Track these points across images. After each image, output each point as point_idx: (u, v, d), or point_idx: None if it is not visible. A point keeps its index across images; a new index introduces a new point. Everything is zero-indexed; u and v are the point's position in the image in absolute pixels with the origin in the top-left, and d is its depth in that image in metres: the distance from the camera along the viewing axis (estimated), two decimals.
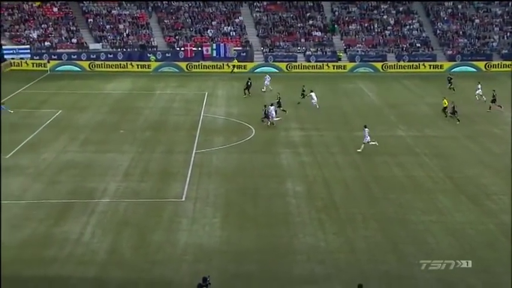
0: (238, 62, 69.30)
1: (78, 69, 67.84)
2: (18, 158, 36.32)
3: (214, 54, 71.28)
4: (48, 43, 70.92)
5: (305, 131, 43.51)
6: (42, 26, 72.95)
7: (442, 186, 32.60)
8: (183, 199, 30.51)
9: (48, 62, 67.39)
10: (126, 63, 68.84)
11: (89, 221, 27.63)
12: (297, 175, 34.30)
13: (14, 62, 67.23)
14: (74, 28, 73.33)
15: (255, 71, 68.85)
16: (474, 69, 69.73)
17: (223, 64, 69.29)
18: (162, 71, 68.20)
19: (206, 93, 56.31)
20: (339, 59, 71.94)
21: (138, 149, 38.83)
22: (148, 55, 70.67)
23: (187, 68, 68.91)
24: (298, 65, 70.34)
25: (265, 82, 57.48)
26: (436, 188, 32.30)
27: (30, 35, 71.35)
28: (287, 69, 69.57)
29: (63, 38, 72.06)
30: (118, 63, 69.02)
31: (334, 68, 70.03)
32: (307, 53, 72.71)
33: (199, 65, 69.35)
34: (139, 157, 37.19)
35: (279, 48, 73.62)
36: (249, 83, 55.19)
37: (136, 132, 42.51)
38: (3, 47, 68.02)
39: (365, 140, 38.15)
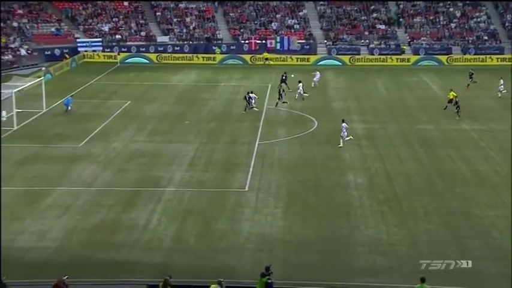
0: (268, 54, 68.70)
1: (146, 61, 69.10)
2: (90, 146, 37.36)
3: (278, 47, 71.19)
4: (119, 36, 72.50)
5: (367, 123, 42.96)
6: (113, 19, 74.61)
7: (508, 180, 31.56)
8: (246, 189, 30.67)
9: (119, 54, 68.90)
10: (192, 56, 69.62)
11: (156, 208, 28.15)
12: (359, 167, 33.93)
13: (86, 55, 69.08)
14: (143, 21, 74.69)
15: (318, 63, 68.35)
16: None
17: (286, 57, 69.13)
18: (227, 63, 68.63)
19: (269, 85, 56.30)
20: (403, 52, 70.59)
21: (203, 139, 39.25)
22: (214, 48, 71.25)
23: (251, 61, 69.12)
24: (362, 58, 69.40)
25: (315, 78, 55.71)
26: (502, 183, 31.31)
27: (102, 28, 73.11)
28: (350, 62, 68.75)
29: (132, 31, 73.52)
30: (184, 55, 69.89)
31: (397, 61, 68.73)
32: (371, 45, 71.66)
33: (263, 58, 69.38)
34: (204, 147, 37.60)
35: (342, 41, 72.84)
36: (283, 77, 53.13)
37: (201, 123, 42.98)
38: (78, 40, 69.96)
39: (342, 133, 37.23)
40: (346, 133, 37.55)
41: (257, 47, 71.24)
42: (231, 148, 37.41)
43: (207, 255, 23.93)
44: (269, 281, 19.67)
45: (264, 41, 71.71)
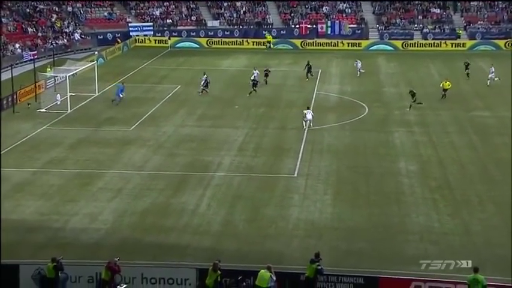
0: (271, 38, 68.22)
1: (197, 45, 69.54)
2: (140, 130, 37.92)
3: (329, 32, 70.55)
4: (170, 20, 73.10)
5: (420, 109, 42.21)
6: (165, 3, 75.24)
7: None
8: (295, 175, 30.63)
9: (169, 38, 69.54)
10: (242, 40, 69.66)
11: (205, 193, 28.41)
12: (411, 154, 33.46)
13: (138, 39, 69.95)
14: (194, 6, 75.05)
15: (370, 48, 67.51)
16: None
17: (337, 42, 68.42)
18: (277, 48, 68.40)
19: (320, 71, 55.90)
20: (458, 37, 68.91)
21: (252, 124, 39.34)
22: (264, 32, 71.09)
23: (301, 45, 68.70)
24: (415, 43, 68.15)
25: (359, 66, 53.84)
26: None
27: (153, 13, 73.84)
28: (403, 47, 67.61)
29: (183, 15, 74.00)
30: (234, 40, 70.00)
31: (452, 46, 67.26)
32: (425, 30, 70.22)
33: (313, 43, 68.91)
34: (253, 133, 37.68)
35: (395, 25, 71.61)
36: (309, 66, 51.95)
37: (251, 108, 43.05)
38: (130, 24, 70.88)
39: (306, 118, 37.25)
40: (310, 118, 37.38)
41: (308, 32, 70.75)
42: (281, 133, 37.37)
43: (256, 240, 24.03)
44: (319, 267, 19.62)
45: (314, 26, 71.15)
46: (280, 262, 21.79)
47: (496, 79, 48.40)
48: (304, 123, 37.40)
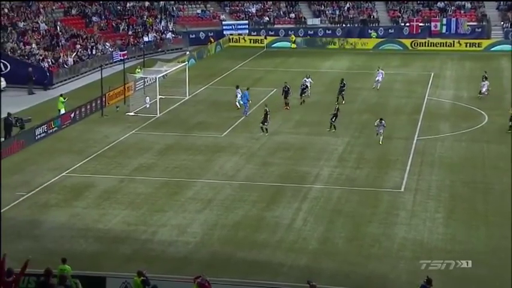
0: (294, 37, 68.85)
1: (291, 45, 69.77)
2: (233, 136, 38.51)
3: (444, 31, 68.89)
4: (266, 18, 73.82)
5: None
6: (262, 0, 76.01)
7: None
8: (402, 190, 30.14)
9: (265, 38, 70.24)
10: (346, 40, 69.32)
11: (301, 206, 28.43)
12: None
13: (232, 38, 71.16)
14: (293, 2, 75.39)
15: (491, 49, 65.35)
16: None
17: (453, 42, 66.70)
18: (384, 49, 67.62)
19: (432, 74, 54.76)
20: None
21: (354, 132, 39.03)
22: (369, 31, 70.43)
23: (411, 46, 67.51)
24: None
25: (378, 77, 49.30)
26: None
27: (249, 10, 74.86)
28: None
29: (281, 12, 74.52)
30: (336, 39, 69.76)
31: None
32: None
33: (425, 43, 67.52)
34: (355, 142, 37.38)
35: None
36: (342, 85, 46.44)
37: (353, 115, 42.74)
38: (223, 22, 72.23)
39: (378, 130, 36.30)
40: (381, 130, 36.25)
41: (419, 31, 69.44)
42: (386, 143, 36.83)
43: (357, 261, 23.78)
44: None
45: (427, 24, 69.71)
46: (384, 286, 21.46)
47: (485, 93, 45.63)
48: (377, 136, 36.42)
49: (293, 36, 69.62)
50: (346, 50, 67.07)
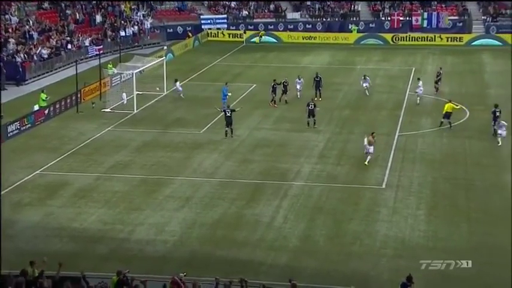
0: (264, 32, 69.22)
1: (274, 40, 69.91)
2: (211, 133, 38.44)
3: (425, 25, 69.34)
4: (245, 12, 73.73)
5: None
6: None
7: None
8: (383, 186, 30.31)
9: (245, 32, 70.23)
10: (325, 35, 69.46)
11: (281, 204, 28.49)
12: None
13: (211, 33, 71.01)
14: None
15: (473, 43, 65.92)
16: None
17: (434, 36, 67.15)
18: (365, 44, 67.90)
19: (413, 69, 55.08)
20: None
21: (335, 128, 39.18)
22: (350, 25, 70.69)
23: (392, 40, 67.87)
24: None
25: (364, 84, 46.64)
26: None
27: (228, 4, 74.67)
28: None
29: (261, 4, 74.23)
30: (317, 34, 69.89)
31: None
32: None
33: (406, 37, 67.91)
34: (336, 138, 37.52)
35: (505, 16, 69.38)
36: (317, 79, 45.61)
37: (334, 111, 42.88)
38: (202, 16, 72.04)
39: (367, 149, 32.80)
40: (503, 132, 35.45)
41: (400, 25, 69.84)
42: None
43: (338, 258, 23.90)
44: None
45: (408, 18, 70.13)
46: (365, 285, 21.61)
47: (421, 93, 44.17)
48: (366, 155, 32.84)
49: (263, 32, 69.79)
50: (327, 45, 67.20)
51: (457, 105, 39.54)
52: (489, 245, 24.71)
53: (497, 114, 36.95)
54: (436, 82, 46.94)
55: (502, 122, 35.61)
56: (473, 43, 65.98)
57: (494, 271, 22.87)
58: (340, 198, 29.12)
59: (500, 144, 35.08)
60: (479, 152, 34.56)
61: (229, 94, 43.72)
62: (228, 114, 37.18)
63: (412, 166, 32.81)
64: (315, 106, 39.08)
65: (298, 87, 45.47)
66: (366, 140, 32.88)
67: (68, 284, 18.12)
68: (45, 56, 54.06)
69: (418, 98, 44.45)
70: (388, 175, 31.48)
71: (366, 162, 32.56)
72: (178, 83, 46.72)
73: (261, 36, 69.48)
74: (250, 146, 36.25)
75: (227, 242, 25.16)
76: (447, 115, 38.36)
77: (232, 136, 37.16)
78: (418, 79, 45.35)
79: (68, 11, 64.43)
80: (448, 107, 38.61)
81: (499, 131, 35.34)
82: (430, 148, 35.56)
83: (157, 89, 46.37)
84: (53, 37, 57.53)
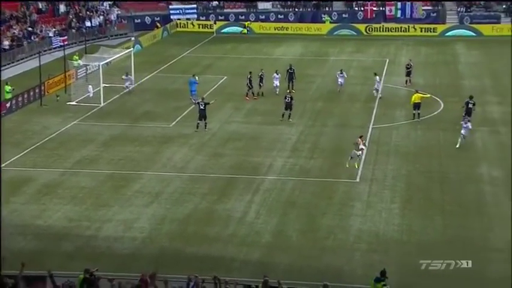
0: (249, 23, 69.28)
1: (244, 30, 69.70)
2: (182, 126, 38.29)
3: (399, 15, 69.75)
4: (216, 2, 73.43)
5: (506, 106, 41.36)
6: None
7: None
8: (357, 180, 30.44)
9: (215, 23, 69.98)
10: (298, 25, 69.48)
11: (253, 199, 28.48)
12: (495, 158, 32.91)
13: (180, 23, 70.62)
14: None
15: (447, 34, 66.46)
16: None
17: (408, 27, 67.57)
18: (338, 34, 68.07)
19: (387, 60, 55.39)
20: None
21: (308, 121, 39.26)
22: (323, 16, 70.80)
23: (366, 31, 68.14)
24: (502, 28, 66.43)
25: (340, 80, 45.66)
26: None
27: None
28: (487, 32, 66.00)
29: None
30: (289, 25, 69.88)
31: None
32: None
33: (380, 28, 68.26)
34: (309, 131, 37.59)
35: (478, 7, 70.08)
36: (290, 70, 45.72)
37: (307, 103, 42.96)
38: (170, 6, 71.58)
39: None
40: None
41: (373, 15, 70.15)
42: (341, 132, 37.14)
43: (312, 254, 23.97)
44: (385, 287, 19.40)
45: (382, 8, 70.47)
46: (339, 279, 21.68)
47: (377, 92, 43.80)
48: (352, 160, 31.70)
49: (248, 22, 69.63)
50: (299, 36, 67.24)
51: (425, 94, 39.80)
52: (463, 238, 24.95)
53: (470, 106, 37.14)
54: (407, 75, 47.14)
55: (469, 123, 34.25)
56: (447, 34, 66.53)
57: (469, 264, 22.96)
58: (313, 193, 29.18)
59: (458, 146, 34.04)
60: (453, 144, 34.79)
61: (197, 84, 42.90)
62: (202, 107, 37.03)
63: (387, 159, 33.02)
64: (291, 99, 39.07)
65: (276, 83, 44.87)
66: (361, 144, 31.62)
67: None
68: (6, 47, 53.28)
69: (376, 92, 43.83)
70: (362, 168, 31.61)
71: (354, 165, 31.55)
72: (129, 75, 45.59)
73: (246, 27, 69.20)
74: (222, 139, 36.16)
75: (198, 238, 25.08)
76: (416, 105, 38.61)
77: (206, 130, 37.00)
78: (375, 74, 45.11)
79: (30, 0, 63.53)
80: (415, 97, 38.93)
81: (462, 131, 34.10)
82: (404, 140, 35.80)
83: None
84: (14, 27, 56.69)
